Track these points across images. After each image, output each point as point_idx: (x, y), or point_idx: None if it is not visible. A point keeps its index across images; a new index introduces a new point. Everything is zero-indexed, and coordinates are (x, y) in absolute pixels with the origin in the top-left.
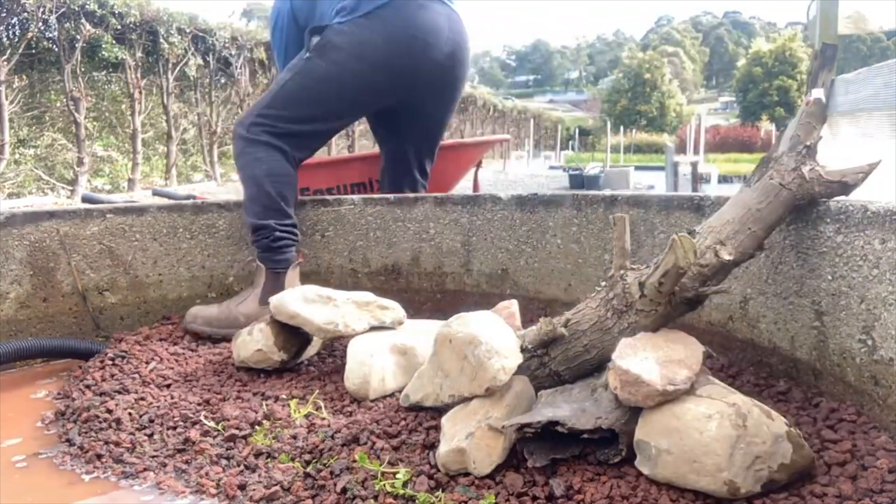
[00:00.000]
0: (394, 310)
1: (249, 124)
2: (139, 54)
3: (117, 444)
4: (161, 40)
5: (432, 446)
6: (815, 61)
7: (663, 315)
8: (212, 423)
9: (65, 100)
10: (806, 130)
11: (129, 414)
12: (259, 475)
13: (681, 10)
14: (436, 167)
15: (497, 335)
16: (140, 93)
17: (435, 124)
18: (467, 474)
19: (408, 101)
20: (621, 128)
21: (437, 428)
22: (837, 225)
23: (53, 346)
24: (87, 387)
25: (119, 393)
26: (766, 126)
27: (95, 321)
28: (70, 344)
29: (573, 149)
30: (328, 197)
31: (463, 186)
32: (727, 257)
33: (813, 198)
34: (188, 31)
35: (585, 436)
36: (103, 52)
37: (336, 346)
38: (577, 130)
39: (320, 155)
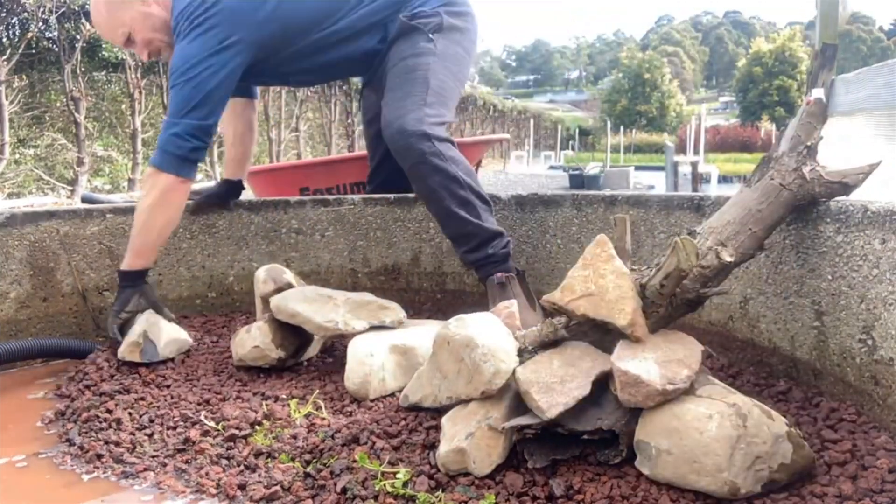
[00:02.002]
0: (394, 310)
1: (428, 124)
2: None
3: (117, 444)
4: None
5: (432, 446)
6: (815, 61)
7: (664, 316)
8: (212, 423)
9: (65, 100)
10: (806, 130)
11: (129, 414)
12: (259, 475)
13: (681, 10)
14: None
15: (494, 338)
16: (140, 93)
17: None
18: (467, 474)
19: None
20: (621, 128)
21: (437, 428)
22: (837, 225)
23: (51, 346)
24: (87, 387)
25: (119, 393)
26: (766, 126)
27: (95, 321)
28: (67, 344)
29: (573, 149)
30: (328, 197)
31: None
32: (728, 259)
33: (813, 198)
34: None
35: (585, 436)
36: (103, 52)
37: (336, 345)
38: (577, 130)
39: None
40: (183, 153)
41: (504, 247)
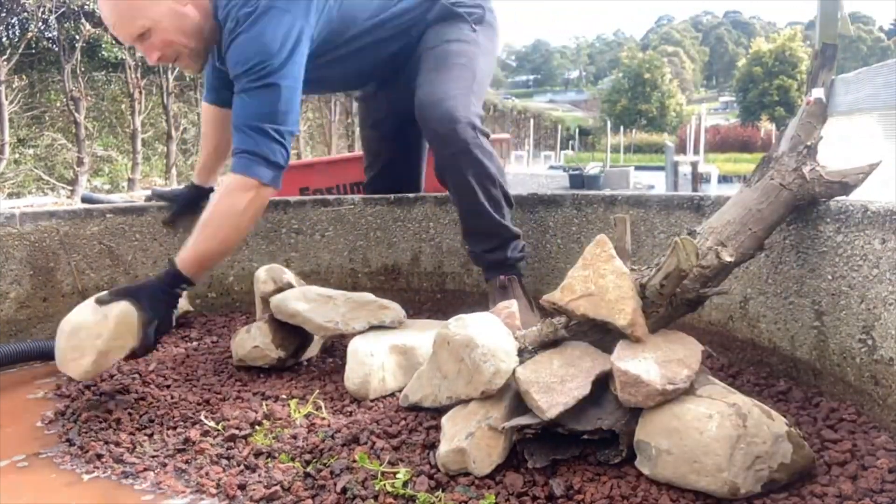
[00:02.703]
0: (394, 310)
1: (474, 114)
2: (139, 54)
3: (117, 444)
4: None
5: (432, 446)
6: (815, 61)
7: (664, 316)
8: (212, 423)
9: (65, 100)
10: (806, 130)
11: (129, 414)
12: (259, 475)
13: (681, 10)
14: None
15: (494, 338)
16: (140, 93)
17: None
18: (467, 474)
19: None
20: (621, 128)
21: (437, 428)
22: (837, 225)
23: (49, 348)
24: (87, 387)
25: (119, 393)
26: (766, 126)
27: None
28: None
29: (573, 149)
30: (328, 197)
31: None
32: (728, 259)
33: (813, 198)
34: None
35: (585, 436)
36: (103, 52)
37: (336, 345)
38: (577, 130)
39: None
40: (284, 166)
41: (521, 250)
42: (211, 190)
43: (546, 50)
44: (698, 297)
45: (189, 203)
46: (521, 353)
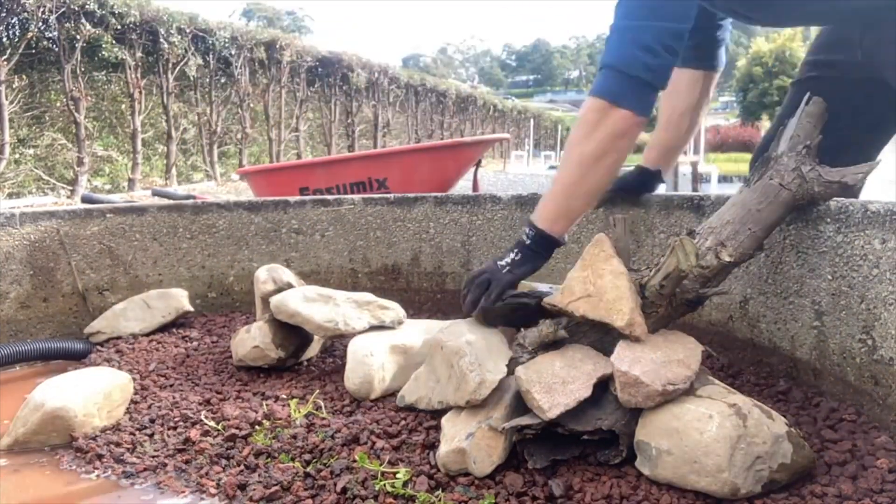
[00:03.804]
0: (394, 310)
1: None
2: (139, 54)
3: (117, 444)
4: (161, 40)
5: (432, 446)
6: None
7: (664, 316)
8: (212, 423)
9: (65, 100)
10: (805, 130)
11: (129, 414)
12: (259, 475)
13: None
14: (435, 166)
15: (485, 347)
16: (140, 93)
17: None
18: (467, 474)
19: None
20: None
21: (437, 428)
22: (837, 224)
23: (49, 348)
24: None
25: None
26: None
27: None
28: (65, 346)
29: None
30: (328, 197)
31: (463, 186)
32: (728, 259)
33: (813, 198)
34: (188, 31)
35: (585, 437)
36: (103, 52)
37: (336, 345)
38: None
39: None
40: (649, 77)
41: None
42: (660, 174)
43: (546, 50)
44: (698, 297)
45: (631, 189)
46: (521, 353)
